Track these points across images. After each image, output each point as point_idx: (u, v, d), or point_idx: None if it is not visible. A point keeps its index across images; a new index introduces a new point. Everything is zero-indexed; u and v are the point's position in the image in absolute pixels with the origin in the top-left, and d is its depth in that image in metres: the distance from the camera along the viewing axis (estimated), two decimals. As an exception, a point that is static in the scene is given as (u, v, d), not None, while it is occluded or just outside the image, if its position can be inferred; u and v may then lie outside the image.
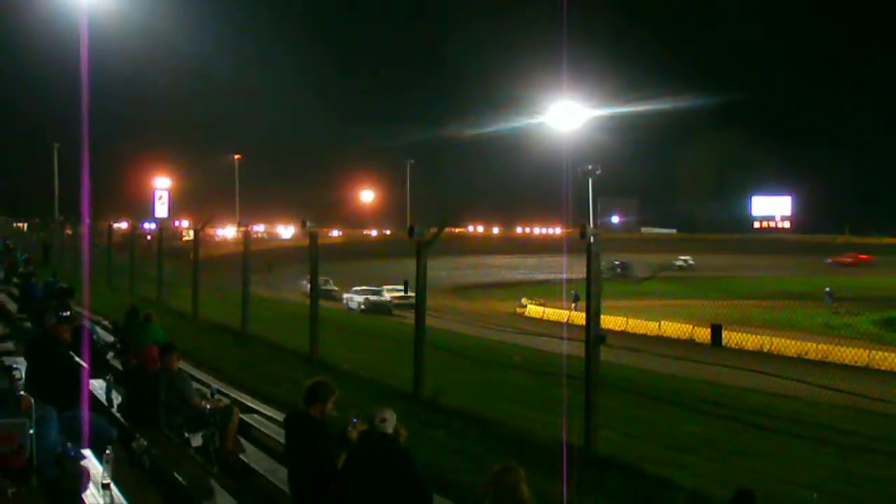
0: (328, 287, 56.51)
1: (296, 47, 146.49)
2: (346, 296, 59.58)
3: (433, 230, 15.95)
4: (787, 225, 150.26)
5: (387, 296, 58.05)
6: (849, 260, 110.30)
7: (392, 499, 7.10)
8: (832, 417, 21.01)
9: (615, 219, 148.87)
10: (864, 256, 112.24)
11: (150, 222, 68.48)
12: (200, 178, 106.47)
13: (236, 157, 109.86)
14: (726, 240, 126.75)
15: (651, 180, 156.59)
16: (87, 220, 38.43)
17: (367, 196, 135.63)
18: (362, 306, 56.36)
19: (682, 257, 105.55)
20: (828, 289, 68.28)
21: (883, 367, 36.25)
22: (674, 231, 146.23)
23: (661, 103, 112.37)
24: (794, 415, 20.05)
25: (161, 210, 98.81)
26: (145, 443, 9.04)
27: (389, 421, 7.45)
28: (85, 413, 8.72)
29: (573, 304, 51.57)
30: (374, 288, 59.63)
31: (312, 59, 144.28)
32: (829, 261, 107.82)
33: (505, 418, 13.60)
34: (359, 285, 60.27)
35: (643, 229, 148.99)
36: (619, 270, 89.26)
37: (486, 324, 47.45)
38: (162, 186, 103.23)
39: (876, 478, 13.08)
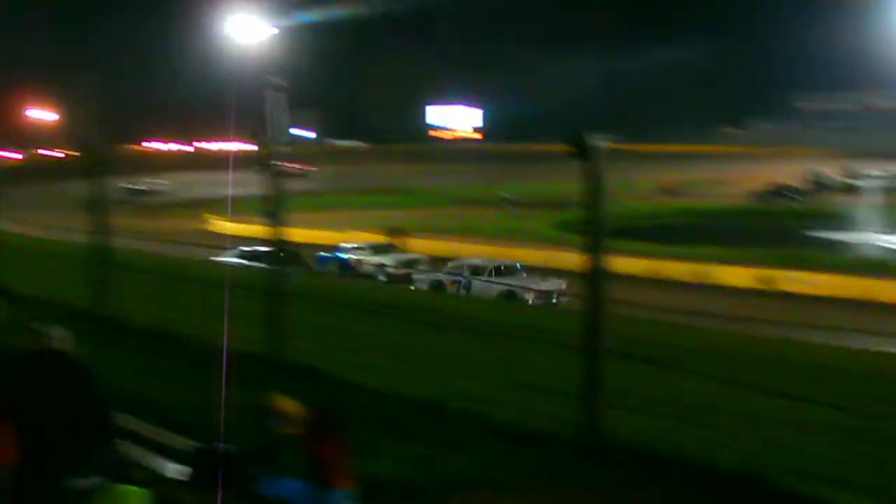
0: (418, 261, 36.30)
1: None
2: (418, 276, 33.15)
3: (111, 147, 15.53)
4: (476, 136, 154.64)
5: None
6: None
7: (70, 419, 6.80)
8: (506, 314, 22.38)
9: (300, 132, 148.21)
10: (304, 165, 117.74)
11: None
12: None
13: None
14: (411, 150, 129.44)
15: (337, 93, 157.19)
16: None
17: (43, 114, 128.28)
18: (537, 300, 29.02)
19: (159, 181, 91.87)
20: (503, 194, 70.96)
21: (562, 267, 38.45)
22: (357, 143, 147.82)
23: (345, 11, 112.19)
24: (469, 313, 21.15)
25: None
26: None
27: (59, 338, 7.16)
28: None
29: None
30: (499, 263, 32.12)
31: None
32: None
33: (188, 332, 13.51)
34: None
35: (327, 141, 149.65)
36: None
37: (171, 241, 47.03)
38: None
39: (548, 367, 13.79)
